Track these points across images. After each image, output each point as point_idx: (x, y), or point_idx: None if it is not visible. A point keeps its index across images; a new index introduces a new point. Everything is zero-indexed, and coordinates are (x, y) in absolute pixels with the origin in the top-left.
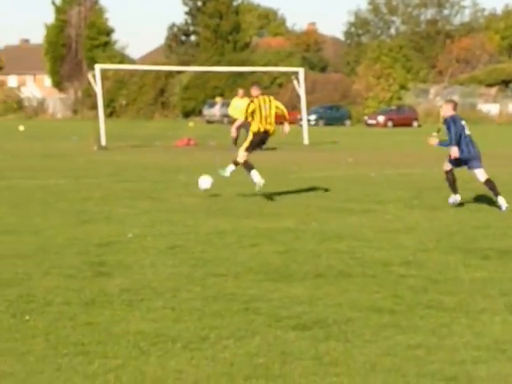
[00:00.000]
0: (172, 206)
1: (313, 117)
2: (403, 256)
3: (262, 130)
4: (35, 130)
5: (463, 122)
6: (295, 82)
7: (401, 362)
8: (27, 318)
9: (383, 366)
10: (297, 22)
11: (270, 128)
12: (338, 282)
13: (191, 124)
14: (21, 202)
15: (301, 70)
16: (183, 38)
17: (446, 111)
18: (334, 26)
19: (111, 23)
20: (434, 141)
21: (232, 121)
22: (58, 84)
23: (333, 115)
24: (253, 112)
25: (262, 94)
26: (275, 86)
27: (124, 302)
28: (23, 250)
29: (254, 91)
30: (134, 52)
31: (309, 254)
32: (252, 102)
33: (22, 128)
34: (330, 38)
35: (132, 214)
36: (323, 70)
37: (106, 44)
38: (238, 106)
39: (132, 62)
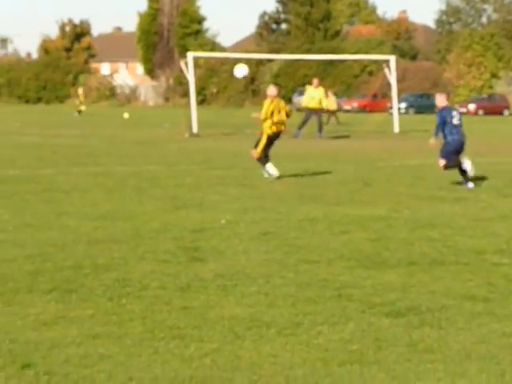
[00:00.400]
0: (264, 193)
1: (403, 105)
2: (497, 244)
3: (275, 131)
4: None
5: (454, 113)
6: (386, 70)
7: (496, 350)
8: (124, 301)
9: (478, 354)
10: (388, 9)
11: (282, 128)
12: (431, 270)
13: None
14: (115, 188)
15: (392, 58)
16: (274, 26)
17: (441, 102)
18: (425, 14)
19: (203, 11)
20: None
21: (304, 109)
22: (150, 72)
23: (423, 103)
24: (272, 112)
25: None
26: (365, 73)
27: (218, 287)
28: (119, 235)
29: (272, 91)
30: (225, 40)
31: (401, 241)
32: (272, 102)
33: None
34: (421, 26)
35: (224, 200)
36: (414, 58)
37: (198, 32)
38: (313, 96)
39: (223, 50)
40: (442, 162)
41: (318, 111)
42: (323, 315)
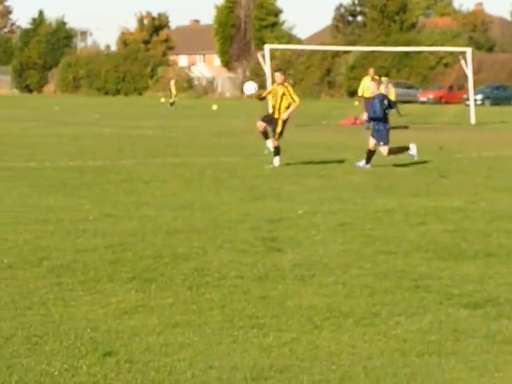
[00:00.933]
0: (340, 184)
1: (479, 96)
2: None
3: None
4: (205, 108)
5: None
6: (462, 61)
7: None
8: (203, 291)
9: None
10: (463, 2)
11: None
12: (510, 261)
13: (357, 103)
14: (194, 179)
15: (468, 50)
16: (350, 18)
17: (374, 90)
18: (501, 5)
19: (279, 4)
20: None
21: (360, 100)
22: (227, 64)
23: (499, 95)
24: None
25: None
26: (441, 65)
27: (296, 277)
28: (197, 225)
29: (278, 78)
30: (301, 32)
31: (478, 232)
32: (273, 88)
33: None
34: (497, 18)
35: (301, 191)
36: (490, 50)
37: (274, 24)
38: (369, 85)
39: (299, 42)
40: None
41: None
42: (401, 306)
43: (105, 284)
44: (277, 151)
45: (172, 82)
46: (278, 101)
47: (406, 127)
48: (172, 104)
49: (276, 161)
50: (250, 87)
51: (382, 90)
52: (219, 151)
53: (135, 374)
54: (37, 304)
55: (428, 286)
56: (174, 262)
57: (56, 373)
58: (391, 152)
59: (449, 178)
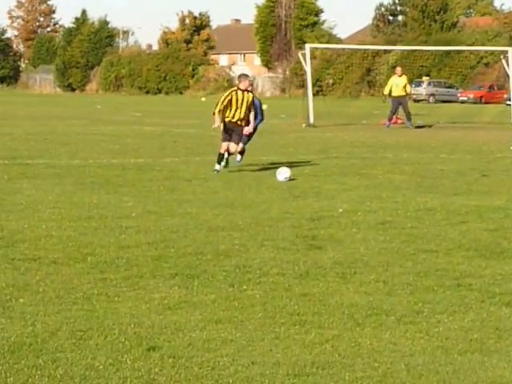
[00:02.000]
0: (381, 183)
1: None
2: None
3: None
4: None
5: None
6: (503, 61)
7: None
8: (244, 287)
9: None
10: (505, 1)
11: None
12: None
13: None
14: (234, 177)
15: (510, 50)
16: (390, 17)
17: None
18: None
19: (320, 3)
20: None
21: (391, 99)
22: (267, 63)
23: None
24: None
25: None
26: (481, 65)
27: (337, 275)
28: (238, 223)
29: (245, 84)
30: (342, 32)
31: None
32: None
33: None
34: None
35: (341, 189)
36: None
37: (315, 24)
38: (397, 83)
39: (339, 41)
40: None
41: (402, 98)
42: (442, 304)
43: (148, 280)
44: (221, 158)
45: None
46: (244, 110)
47: (430, 126)
48: None
49: (218, 167)
50: (284, 173)
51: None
52: (260, 150)
53: (179, 369)
54: (81, 299)
55: (470, 285)
56: (216, 258)
57: (101, 367)
58: None
59: (490, 177)
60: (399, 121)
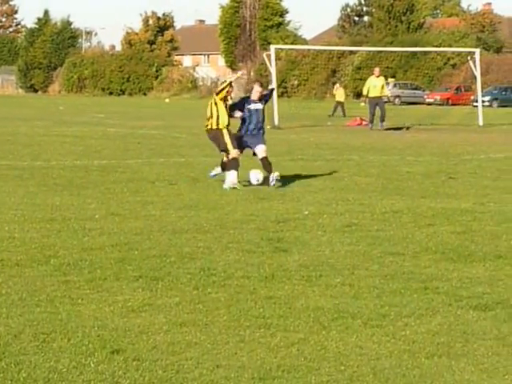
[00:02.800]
0: (346, 185)
1: (487, 98)
2: None
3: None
4: None
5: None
6: (471, 62)
7: None
8: (209, 290)
9: None
10: (472, 2)
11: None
12: None
13: (363, 104)
14: (199, 179)
15: (476, 51)
16: (356, 18)
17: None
18: (510, 5)
19: (285, 4)
20: None
21: (366, 100)
22: (232, 64)
23: (507, 97)
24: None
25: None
26: (448, 66)
27: (303, 278)
28: (203, 225)
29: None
30: (307, 33)
31: (487, 234)
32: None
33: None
34: (506, 18)
35: (307, 191)
36: (498, 50)
37: (280, 25)
38: (375, 84)
39: (304, 42)
40: None
41: (379, 99)
42: (409, 307)
43: (111, 282)
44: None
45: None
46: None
47: (408, 128)
48: None
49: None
50: (255, 176)
51: (387, 91)
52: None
53: (143, 372)
54: (44, 302)
55: (437, 288)
56: (180, 261)
57: (64, 370)
58: None
59: (457, 179)
60: (364, 122)
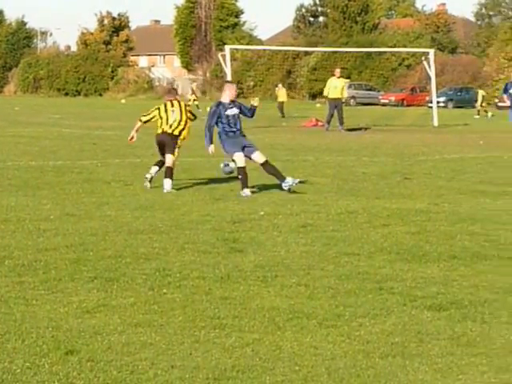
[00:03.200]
0: (302, 186)
1: (442, 99)
2: None
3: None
4: None
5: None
6: (425, 63)
7: None
8: (164, 291)
9: None
10: (426, 2)
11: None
12: (474, 264)
13: (319, 105)
14: (154, 179)
15: (431, 51)
16: (311, 19)
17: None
18: (464, 6)
19: (240, 4)
20: None
21: (328, 101)
22: (188, 65)
23: (462, 97)
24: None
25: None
26: (403, 67)
27: (258, 278)
28: (159, 226)
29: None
30: (262, 33)
31: (442, 235)
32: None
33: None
34: (461, 19)
35: (263, 192)
36: (453, 51)
37: (235, 25)
38: (335, 85)
39: (260, 43)
40: None
41: (338, 101)
42: (364, 308)
43: (66, 283)
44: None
45: (194, 86)
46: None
47: (366, 129)
48: (198, 107)
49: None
50: (227, 168)
51: (346, 93)
52: (180, 152)
53: (97, 373)
54: None
55: (391, 288)
56: (136, 262)
57: (18, 371)
58: None
59: (412, 180)
60: (319, 123)
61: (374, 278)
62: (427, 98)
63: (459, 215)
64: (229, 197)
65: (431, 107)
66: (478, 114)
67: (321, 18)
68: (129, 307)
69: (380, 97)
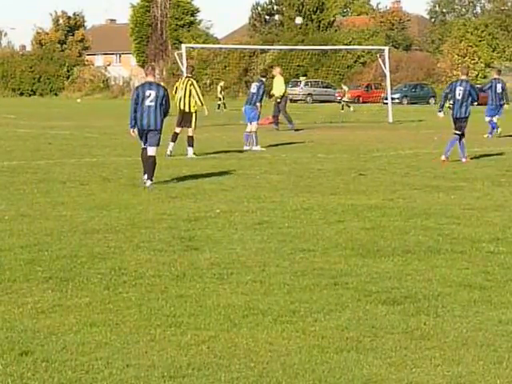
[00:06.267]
0: (258, 183)
1: (397, 95)
2: (492, 233)
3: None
4: (122, 108)
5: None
6: (380, 60)
7: (492, 337)
8: (120, 290)
9: (475, 341)
10: (381, 0)
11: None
12: (427, 258)
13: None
14: (110, 179)
15: (386, 49)
16: (267, 17)
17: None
18: (418, 4)
19: (196, 3)
20: None
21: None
22: (144, 64)
23: (417, 94)
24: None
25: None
26: (358, 64)
27: (214, 276)
28: (114, 225)
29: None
30: (219, 32)
31: (396, 230)
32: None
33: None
34: (415, 16)
35: (219, 190)
36: (407, 48)
37: (191, 24)
38: (281, 84)
39: (216, 41)
40: None
41: (283, 99)
42: (319, 303)
43: (21, 284)
44: (192, 141)
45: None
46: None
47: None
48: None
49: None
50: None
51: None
52: (135, 151)
53: (52, 373)
54: None
55: (346, 283)
56: (91, 261)
57: None
58: None
59: (367, 176)
60: (267, 121)
61: (328, 274)
62: (382, 95)
63: (413, 210)
64: (185, 195)
65: (386, 104)
66: (343, 109)
67: (277, 16)
68: (84, 307)
69: (336, 94)
